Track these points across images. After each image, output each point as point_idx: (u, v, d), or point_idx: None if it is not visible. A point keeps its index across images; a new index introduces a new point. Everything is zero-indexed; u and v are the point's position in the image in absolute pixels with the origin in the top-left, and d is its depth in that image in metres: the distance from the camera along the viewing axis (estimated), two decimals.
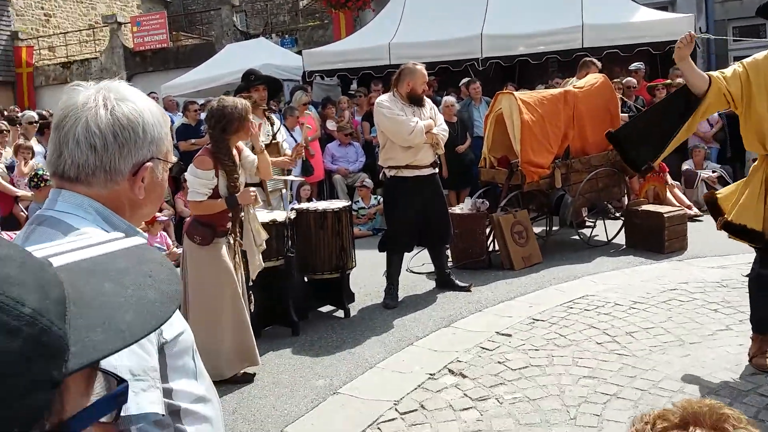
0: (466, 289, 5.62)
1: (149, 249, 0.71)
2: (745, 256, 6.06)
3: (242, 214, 4.13)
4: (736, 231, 3.75)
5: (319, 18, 18.65)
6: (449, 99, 9.07)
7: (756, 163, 3.83)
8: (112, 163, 1.23)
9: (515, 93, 6.88)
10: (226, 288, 3.98)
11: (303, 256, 5.14)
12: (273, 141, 5.49)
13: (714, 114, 8.85)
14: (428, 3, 12.07)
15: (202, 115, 9.74)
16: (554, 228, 7.25)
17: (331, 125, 9.74)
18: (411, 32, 11.27)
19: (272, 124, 5.64)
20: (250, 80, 5.75)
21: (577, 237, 6.95)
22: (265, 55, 13.33)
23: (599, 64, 7.66)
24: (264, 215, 4.70)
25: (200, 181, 3.89)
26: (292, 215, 5.14)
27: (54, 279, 0.55)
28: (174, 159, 1.39)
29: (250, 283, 4.71)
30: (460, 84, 10.04)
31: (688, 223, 6.84)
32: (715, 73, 3.74)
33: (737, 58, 12.02)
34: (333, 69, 11.70)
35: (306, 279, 5.31)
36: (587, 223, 7.52)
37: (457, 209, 6.60)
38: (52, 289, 0.53)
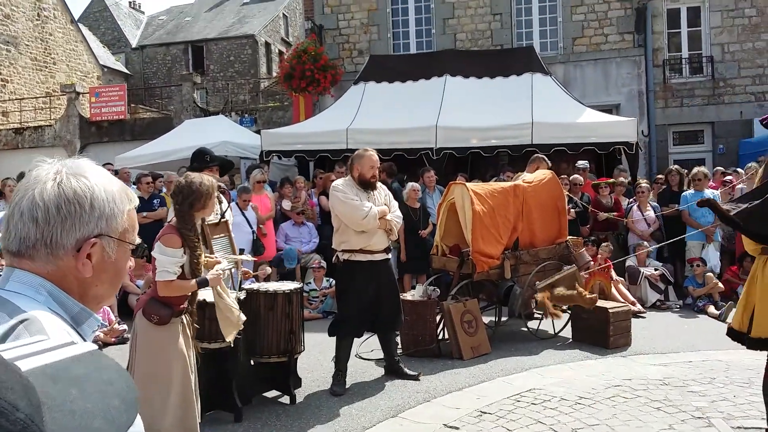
0: (415, 378, 5.57)
1: (103, 355, 0.70)
2: (686, 354, 6.22)
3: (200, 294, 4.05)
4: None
5: (279, 100, 19.04)
6: (414, 184, 9.29)
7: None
8: (54, 236, 1.19)
9: (468, 184, 7.07)
10: (176, 370, 3.84)
11: (250, 338, 5.03)
12: (222, 220, 5.41)
13: (652, 214, 9.27)
14: (387, 92, 12.52)
15: (164, 189, 9.72)
16: (503, 318, 7.32)
17: (286, 205, 9.78)
18: (369, 119, 11.60)
19: (220, 203, 5.56)
20: (206, 160, 5.75)
21: (525, 328, 7.02)
22: (223, 132, 13.45)
23: (549, 162, 7.99)
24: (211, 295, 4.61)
25: (170, 259, 3.81)
26: (242, 296, 5.06)
27: (30, 384, 0.55)
28: (137, 240, 1.35)
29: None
30: (419, 172, 10.29)
31: (632, 319, 7.00)
32: None
33: (677, 161, 12.70)
34: (291, 150, 11.86)
35: (252, 362, 5.18)
36: (535, 315, 7.61)
37: (408, 296, 6.62)
38: (32, 394, 0.54)
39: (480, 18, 14.72)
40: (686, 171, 9.83)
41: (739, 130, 14.06)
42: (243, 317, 4.23)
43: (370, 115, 11.78)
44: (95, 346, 0.75)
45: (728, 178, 9.83)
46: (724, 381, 5.30)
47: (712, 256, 8.84)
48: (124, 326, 7.25)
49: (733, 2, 14.13)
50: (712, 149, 14.37)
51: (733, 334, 4.01)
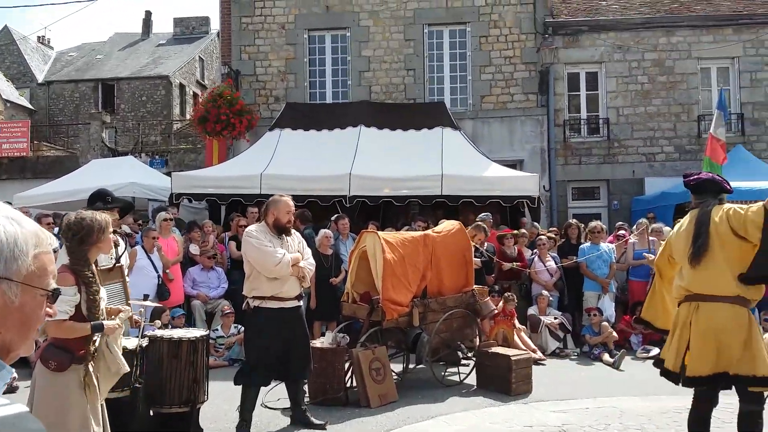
0: (322, 428, 5.53)
1: (30, 418, 0.70)
2: (583, 401, 6.50)
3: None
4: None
5: (192, 142, 18.78)
6: (327, 231, 9.34)
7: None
8: None
9: (379, 232, 7.22)
10: (72, 420, 3.63)
11: (150, 387, 4.87)
12: (117, 265, 5.23)
13: (553, 265, 9.73)
14: (302, 140, 12.65)
15: (56, 230, 9.29)
16: (411, 366, 7.41)
17: (194, 249, 9.59)
18: (284, 165, 11.64)
19: (116, 246, 5.36)
20: (106, 201, 5.60)
21: (432, 375, 7.13)
22: (132, 173, 13.13)
23: (487, 231, 8.43)
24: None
25: (62, 298, 3.66)
26: (144, 342, 4.91)
27: None
28: (51, 285, 1.29)
29: None
30: (331, 219, 10.34)
31: (533, 366, 7.26)
32: None
33: (576, 215, 13.36)
34: (202, 193, 11.69)
35: (152, 412, 5.00)
36: (441, 363, 7.74)
37: (318, 343, 6.60)
38: None
39: (394, 72, 15.22)
40: (583, 225, 10.41)
41: (631, 188, 15.05)
42: (125, 370, 4.05)
43: (285, 161, 11.84)
44: (24, 408, 0.74)
45: (621, 232, 10.48)
46: (618, 427, 5.56)
47: (608, 306, 9.34)
48: (14, 373, 6.81)
49: (627, 69, 15.29)
50: (607, 205, 15.29)
51: (668, 374, 4.35)
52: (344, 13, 15.37)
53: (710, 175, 4.54)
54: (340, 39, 15.52)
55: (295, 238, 5.57)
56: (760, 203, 4.04)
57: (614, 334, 8.87)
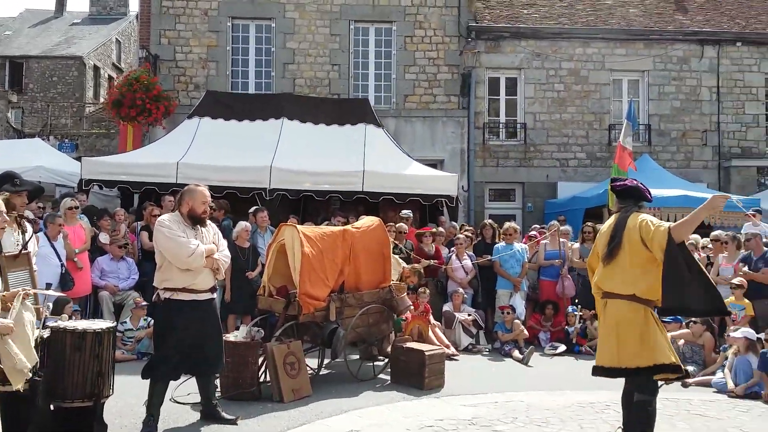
0: (233, 422, 5.43)
1: None
2: (493, 395, 6.68)
3: None
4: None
5: (106, 127, 18.02)
6: (245, 224, 9.17)
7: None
8: None
9: (298, 226, 7.16)
10: None
11: (51, 381, 4.63)
12: (24, 251, 4.96)
13: (469, 263, 9.95)
14: (222, 129, 12.37)
15: None
16: (326, 360, 7.39)
17: (104, 238, 9.21)
18: (202, 154, 11.35)
19: (24, 232, 5.08)
20: (15, 184, 5.31)
21: (347, 370, 7.14)
22: (38, 156, 12.47)
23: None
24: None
25: None
26: (46, 334, 4.67)
27: None
28: None
29: None
30: (249, 211, 10.18)
31: (446, 361, 7.40)
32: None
33: (492, 216, 13.72)
34: (114, 180, 11.25)
35: (52, 407, 4.76)
36: (356, 358, 7.78)
37: (231, 337, 6.49)
38: None
39: (319, 66, 15.15)
40: (498, 225, 10.70)
41: (545, 191, 15.61)
42: (29, 363, 3.85)
43: (204, 150, 11.55)
44: None
45: (533, 233, 10.85)
46: (525, 420, 5.75)
47: (518, 304, 9.64)
48: None
49: (544, 77, 15.83)
50: (522, 207, 15.80)
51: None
52: (270, 4, 15.16)
53: (635, 183, 4.80)
54: (265, 29, 15.30)
55: (210, 229, 5.44)
56: (667, 224, 4.35)
57: (525, 332, 9.16)
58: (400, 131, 14.85)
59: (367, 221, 7.73)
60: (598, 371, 4.64)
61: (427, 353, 6.93)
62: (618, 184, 4.85)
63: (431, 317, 8.83)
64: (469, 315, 9.43)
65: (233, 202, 10.72)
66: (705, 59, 16.08)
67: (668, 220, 10.07)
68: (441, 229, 10.79)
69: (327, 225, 9.18)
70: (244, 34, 15.33)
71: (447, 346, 8.55)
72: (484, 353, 9.15)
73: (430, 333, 8.55)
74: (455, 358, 8.55)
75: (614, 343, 4.47)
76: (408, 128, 15.11)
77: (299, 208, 11.88)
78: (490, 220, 11.09)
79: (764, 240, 9.50)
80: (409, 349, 7.12)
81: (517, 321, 9.22)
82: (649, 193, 4.75)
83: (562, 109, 15.83)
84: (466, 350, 9.11)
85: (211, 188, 9.47)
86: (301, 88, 14.96)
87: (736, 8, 17.22)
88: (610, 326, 4.51)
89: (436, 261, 9.89)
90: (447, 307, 9.54)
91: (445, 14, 15.31)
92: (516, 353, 8.78)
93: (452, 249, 10.20)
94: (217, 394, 5.88)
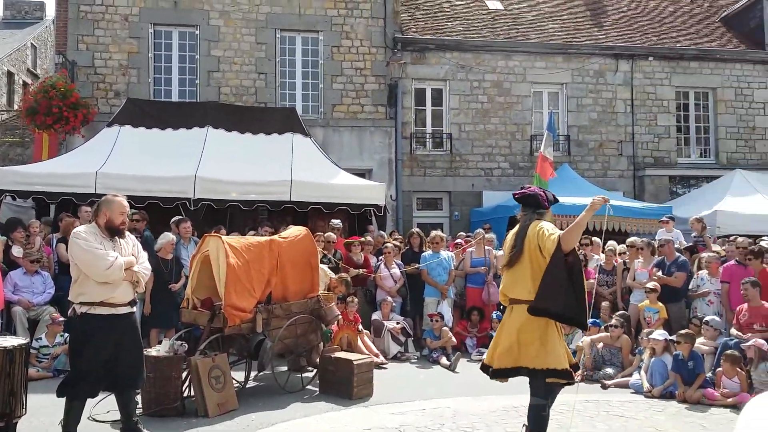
0: None
1: None
2: (420, 402, 6.75)
3: None
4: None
5: (20, 135, 17.18)
6: (170, 235, 8.95)
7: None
8: None
9: (223, 236, 7.04)
10: None
11: None
12: None
13: (398, 271, 10.04)
14: (144, 138, 12.02)
15: None
16: (253, 373, 7.28)
17: (17, 251, 8.77)
18: (122, 164, 11.01)
19: None
20: None
21: (274, 382, 7.06)
22: None
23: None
24: None
25: None
26: None
27: None
28: None
29: None
30: (171, 222, 9.93)
31: (375, 370, 7.42)
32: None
33: (420, 225, 13.88)
34: (29, 191, 10.75)
35: None
36: (284, 369, 7.70)
37: (153, 351, 6.30)
38: None
39: (245, 75, 14.96)
40: (425, 234, 10.84)
41: (471, 200, 15.93)
42: None
43: (124, 159, 11.19)
44: None
45: (458, 241, 11.05)
46: (452, 426, 5.85)
47: (446, 311, 9.78)
48: None
49: (469, 89, 16.19)
50: (449, 215, 16.06)
51: (485, 368, 4.83)
52: (193, 11, 14.88)
53: (534, 190, 4.91)
54: (189, 36, 15.01)
55: (129, 241, 5.28)
56: (558, 233, 4.48)
57: (452, 338, 9.30)
58: (328, 141, 14.83)
59: (295, 231, 7.69)
60: (496, 374, 4.71)
61: (355, 362, 6.93)
62: (517, 192, 4.96)
63: (360, 326, 8.84)
64: (397, 323, 9.50)
65: (156, 213, 10.43)
66: (620, 73, 16.84)
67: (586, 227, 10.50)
68: (369, 238, 10.83)
69: (254, 235, 9.07)
70: (167, 41, 14.98)
71: (376, 355, 8.58)
72: (413, 361, 9.23)
73: (359, 342, 8.56)
74: (384, 366, 8.58)
75: (515, 345, 4.57)
76: (336, 138, 15.12)
77: (225, 218, 11.67)
78: (417, 229, 11.22)
79: (676, 246, 10.03)
80: (338, 359, 7.10)
81: (445, 328, 9.34)
82: (547, 201, 4.82)
83: (486, 120, 16.22)
84: (395, 358, 9.16)
85: (133, 198, 9.30)
86: (226, 97, 14.73)
87: (648, 24, 18.14)
88: (513, 328, 4.61)
89: (365, 270, 9.92)
90: (376, 315, 9.57)
91: (371, 25, 15.44)
92: (444, 360, 8.90)
93: (381, 258, 10.26)
94: (138, 411, 5.69)
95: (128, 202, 5.52)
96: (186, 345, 6.42)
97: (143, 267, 5.25)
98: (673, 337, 7.54)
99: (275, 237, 7.53)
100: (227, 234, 9.07)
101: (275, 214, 11.69)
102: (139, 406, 5.81)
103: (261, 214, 11.84)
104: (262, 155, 11.91)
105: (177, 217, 9.90)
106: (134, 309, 5.32)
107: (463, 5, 17.71)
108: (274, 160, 11.84)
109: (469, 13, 17.44)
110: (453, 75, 16.11)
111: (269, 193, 11.11)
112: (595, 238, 10.61)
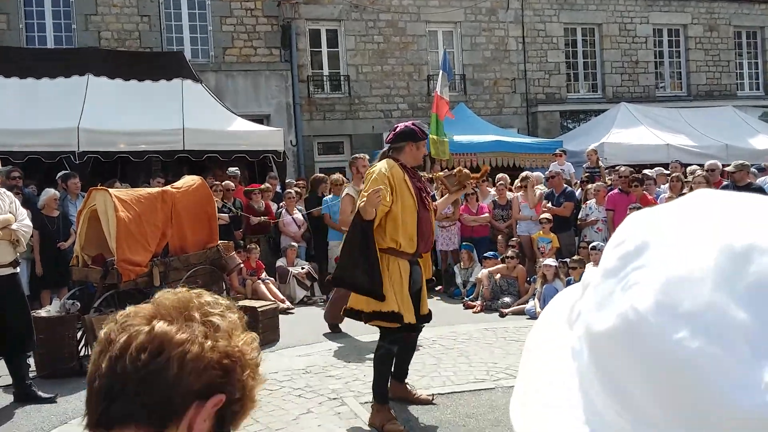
0: (51, 401, 5.10)
1: None
2: (327, 343, 6.85)
3: None
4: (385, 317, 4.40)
5: None
6: (52, 191, 8.42)
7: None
8: None
9: (111, 190, 6.71)
10: None
11: None
12: None
13: (300, 216, 9.98)
14: (17, 89, 11.13)
15: None
16: None
17: None
18: None
19: None
20: None
21: None
22: None
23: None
24: None
25: None
26: None
27: None
28: None
29: None
30: (57, 177, 9.35)
31: (281, 315, 7.43)
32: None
33: (322, 170, 13.79)
34: None
35: None
36: None
37: (43, 312, 6.02)
38: None
39: (127, 18, 14.05)
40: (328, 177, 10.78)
41: (371, 143, 15.90)
42: None
43: None
44: None
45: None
46: (357, 362, 5.97)
47: None
48: None
49: (364, 29, 15.97)
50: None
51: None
52: None
53: (408, 126, 4.70)
54: None
55: (6, 198, 4.95)
56: (365, 199, 4.27)
57: None
58: (221, 86, 14.29)
59: (188, 180, 7.44)
60: (346, 314, 4.81)
61: (259, 309, 6.92)
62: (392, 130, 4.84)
63: (264, 273, 8.78)
64: (303, 268, 9.50)
65: (38, 169, 9.79)
66: (511, 10, 17.09)
67: (484, 164, 10.76)
68: (267, 185, 10.65)
69: (145, 187, 8.70)
70: None
71: (282, 301, 8.58)
72: (319, 304, 9.29)
73: (264, 288, 8.52)
74: (291, 311, 8.60)
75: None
76: (229, 83, 14.59)
77: (116, 171, 11.11)
78: (321, 174, 11.13)
79: (566, 178, 10.50)
80: (242, 308, 6.99)
81: None
82: (402, 134, 4.61)
83: (383, 61, 16.12)
84: (302, 303, 9.19)
85: (10, 154, 8.68)
86: (107, 42, 13.81)
87: None
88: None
89: (266, 217, 9.79)
90: (280, 262, 9.52)
91: None
92: None
93: (282, 204, 10.14)
94: (32, 374, 5.46)
95: (3, 157, 5.15)
96: (78, 304, 6.16)
97: (23, 224, 4.95)
98: (567, 260, 7.98)
99: (168, 188, 7.26)
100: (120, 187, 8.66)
101: (170, 164, 11.25)
102: (32, 368, 5.57)
103: (155, 166, 11.37)
104: (151, 103, 11.33)
105: (63, 172, 9.34)
106: (17, 270, 5.04)
107: None
108: (164, 107, 11.30)
109: None
110: (347, 15, 15.81)
111: (161, 143, 10.65)
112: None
